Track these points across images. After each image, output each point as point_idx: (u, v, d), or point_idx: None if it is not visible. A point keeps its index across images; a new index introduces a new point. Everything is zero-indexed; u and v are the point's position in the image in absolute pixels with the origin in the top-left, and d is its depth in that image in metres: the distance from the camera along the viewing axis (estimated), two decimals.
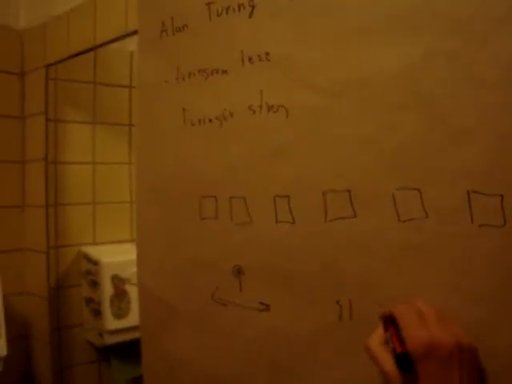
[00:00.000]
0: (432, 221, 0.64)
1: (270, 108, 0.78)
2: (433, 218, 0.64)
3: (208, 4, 0.86)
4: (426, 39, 0.64)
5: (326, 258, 0.72)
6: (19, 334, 1.54)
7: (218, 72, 0.85)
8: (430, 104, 0.64)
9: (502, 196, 0.59)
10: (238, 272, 0.82)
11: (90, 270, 1.50)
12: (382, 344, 0.63)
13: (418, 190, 0.65)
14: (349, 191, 0.71)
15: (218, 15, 0.85)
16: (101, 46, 1.21)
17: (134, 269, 1.01)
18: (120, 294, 1.48)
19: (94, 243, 1.58)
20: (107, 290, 1.46)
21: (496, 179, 0.60)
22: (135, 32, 1.01)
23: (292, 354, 0.77)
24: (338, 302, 0.72)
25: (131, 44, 1.18)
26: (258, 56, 0.79)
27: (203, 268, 0.87)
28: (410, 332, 0.60)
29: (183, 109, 0.89)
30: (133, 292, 1.44)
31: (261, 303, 0.80)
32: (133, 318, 1.44)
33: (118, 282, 1.47)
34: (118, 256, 1.49)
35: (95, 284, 1.49)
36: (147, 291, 0.97)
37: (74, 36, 1.30)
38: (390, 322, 0.64)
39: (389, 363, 0.61)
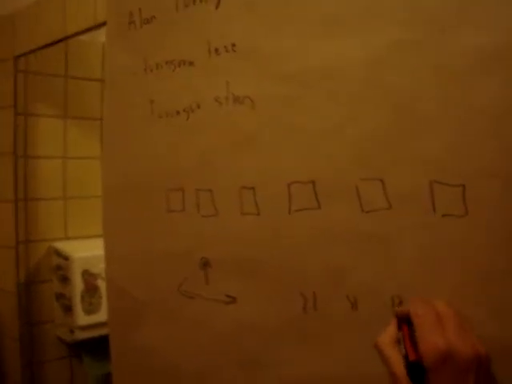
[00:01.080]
0: (395, 211, 0.65)
1: (236, 99, 0.78)
2: (396, 208, 0.65)
3: None
4: (389, 30, 0.64)
5: (291, 250, 0.73)
6: None
7: (184, 64, 0.84)
8: (394, 94, 0.64)
9: (463, 186, 0.60)
10: (205, 264, 0.82)
11: (61, 266, 1.49)
12: (393, 343, 0.59)
13: (381, 181, 0.65)
14: (313, 182, 0.71)
15: (185, 6, 0.84)
16: (70, 37, 1.20)
17: None
18: (91, 290, 1.47)
19: (66, 238, 1.57)
20: (78, 285, 1.45)
21: (458, 169, 0.60)
22: (104, 23, 1.00)
23: (259, 345, 0.77)
24: (302, 294, 0.72)
25: (103, 36, 1.17)
26: (225, 47, 0.79)
27: (170, 261, 0.87)
28: (425, 336, 0.55)
29: (151, 101, 0.89)
30: (104, 287, 1.43)
31: (227, 296, 0.80)
32: (104, 314, 1.43)
33: (89, 277, 1.46)
34: (88, 251, 1.48)
35: (66, 279, 1.48)
36: (115, 285, 0.96)
37: (43, 27, 1.28)
38: (405, 322, 0.60)
39: (399, 366, 0.57)
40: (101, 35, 1.18)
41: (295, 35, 0.72)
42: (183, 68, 0.84)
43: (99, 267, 1.43)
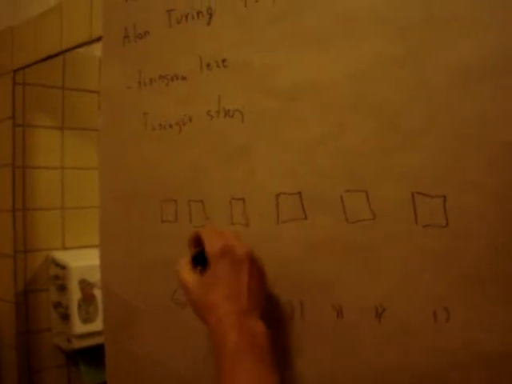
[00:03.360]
0: (379, 221, 0.67)
1: (226, 113, 0.80)
2: (380, 218, 0.67)
3: (168, 11, 0.87)
4: (374, 45, 0.66)
5: (278, 259, 0.74)
6: None
7: (177, 78, 0.86)
8: (379, 108, 0.66)
9: (444, 197, 0.62)
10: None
11: (58, 275, 1.50)
12: (186, 263, 0.71)
13: (365, 192, 0.67)
14: (300, 193, 0.73)
15: (177, 22, 0.86)
16: (66, 51, 1.22)
17: None
18: (88, 299, 1.48)
19: (63, 248, 1.58)
20: (75, 294, 1.47)
21: (439, 181, 0.62)
22: (100, 38, 1.02)
23: None
24: (290, 303, 0.74)
25: (99, 49, 1.19)
26: (216, 62, 0.81)
27: (164, 270, 0.88)
28: (208, 238, 0.69)
29: (144, 113, 0.91)
30: (101, 296, 1.44)
31: None
32: (101, 323, 1.42)
33: (86, 286, 1.48)
34: (85, 260, 1.49)
35: (63, 288, 1.49)
36: (110, 293, 0.98)
37: (40, 41, 1.31)
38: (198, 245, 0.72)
39: (187, 276, 0.69)
40: (97, 48, 1.21)
41: (283, 50, 0.74)
42: (176, 82, 0.87)
43: (96, 277, 1.44)
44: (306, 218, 0.72)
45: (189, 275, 0.69)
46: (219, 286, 0.66)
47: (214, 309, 0.65)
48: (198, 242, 0.72)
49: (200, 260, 0.70)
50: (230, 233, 0.70)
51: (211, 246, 0.68)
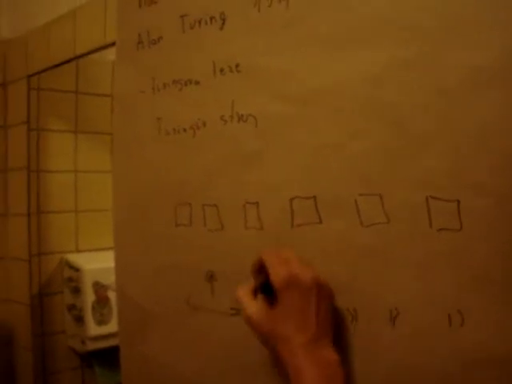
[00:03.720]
0: (393, 225, 0.67)
1: (240, 118, 0.80)
2: (394, 222, 0.67)
3: (182, 17, 0.88)
4: (386, 48, 0.67)
5: None
6: (1, 341, 1.55)
7: (191, 83, 0.87)
8: (391, 112, 0.66)
9: (458, 201, 0.62)
10: (211, 277, 0.84)
11: (72, 277, 1.52)
12: (249, 292, 0.70)
13: (380, 196, 0.68)
14: (314, 197, 0.73)
15: (191, 28, 0.87)
16: (80, 56, 1.24)
17: None
18: (102, 301, 1.49)
19: (77, 251, 1.60)
20: (89, 296, 1.48)
21: (453, 185, 0.62)
22: (113, 44, 1.03)
23: (262, 356, 0.79)
24: None
25: (112, 54, 1.20)
26: (229, 67, 0.82)
27: (178, 274, 0.89)
28: (273, 270, 0.67)
29: (158, 118, 0.92)
30: (114, 299, 1.45)
31: (232, 308, 0.82)
32: (115, 325, 1.43)
33: (100, 288, 1.49)
34: (99, 263, 1.51)
35: (77, 291, 1.50)
36: (125, 296, 0.99)
37: (54, 47, 1.32)
38: (261, 272, 0.71)
39: (252, 307, 0.68)
40: (110, 52, 1.22)
41: (296, 55, 0.75)
42: (190, 87, 0.87)
43: (110, 279, 1.45)
44: (320, 222, 0.72)
45: (251, 306, 0.69)
46: (289, 318, 0.65)
47: (286, 341, 0.65)
48: (261, 269, 0.71)
49: (264, 288, 0.69)
50: (294, 258, 0.69)
51: (277, 276, 0.66)
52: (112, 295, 1.49)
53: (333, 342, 0.67)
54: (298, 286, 0.65)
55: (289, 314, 0.65)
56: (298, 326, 0.65)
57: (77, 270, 1.50)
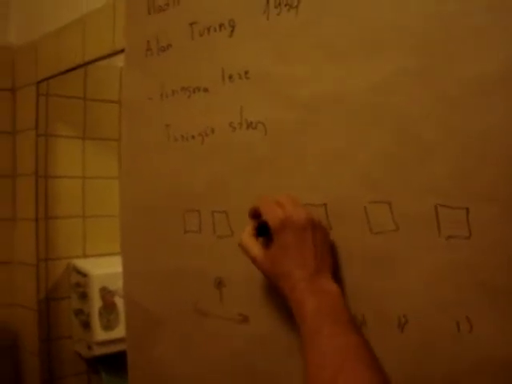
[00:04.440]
0: (402, 233, 0.67)
1: (249, 125, 0.81)
2: (403, 229, 0.67)
3: (191, 24, 0.89)
4: (394, 57, 0.67)
5: None
6: (8, 346, 1.55)
7: (199, 90, 0.87)
8: (399, 120, 0.67)
9: (467, 209, 0.62)
10: (219, 284, 0.84)
11: (80, 283, 1.52)
12: (250, 236, 0.73)
13: (389, 204, 0.68)
14: (325, 205, 0.73)
15: (200, 35, 0.88)
16: (89, 63, 1.24)
17: None
18: (109, 306, 1.50)
19: (84, 256, 1.60)
20: (96, 301, 1.48)
21: (461, 193, 0.62)
22: (122, 50, 1.04)
23: (272, 363, 0.79)
24: None
25: (120, 60, 1.21)
26: (238, 74, 0.82)
27: (186, 280, 0.89)
28: (268, 211, 0.70)
29: (166, 125, 0.92)
30: (121, 304, 1.45)
31: (240, 314, 0.82)
32: (121, 330, 1.45)
33: (107, 294, 1.49)
34: (106, 268, 1.51)
35: (84, 296, 1.51)
36: (133, 302, 0.99)
37: (63, 53, 1.33)
38: (257, 217, 0.73)
39: (254, 248, 0.72)
40: (118, 59, 1.22)
41: (306, 62, 0.75)
42: (198, 94, 0.88)
43: (117, 284, 1.46)
44: (330, 228, 0.73)
45: (254, 248, 0.72)
46: (286, 257, 0.68)
47: (287, 277, 0.67)
48: (256, 214, 0.74)
49: (262, 230, 0.72)
50: (287, 200, 0.71)
51: (271, 219, 0.69)
52: (119, 301, 1.49)
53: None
54: (293, 225, 0.68)
55: (287, 251, 0.68)
56: (296, 263, 0.67)
57: (84, 275, 1.50)
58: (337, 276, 0.71)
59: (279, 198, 0.72)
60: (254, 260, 0.72)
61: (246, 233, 0.74)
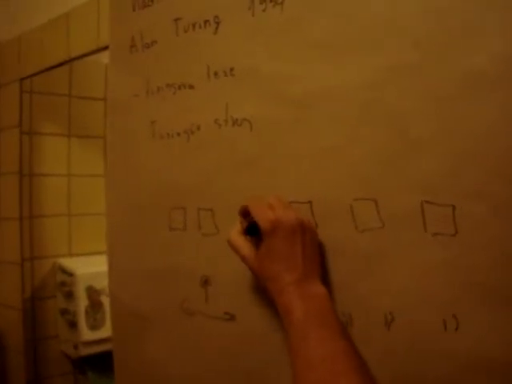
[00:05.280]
0: (388, 230, 0.67)
1: (234, 122, 0.80)
2: (389, 227, 0.67)
3: (176, 20, 0.88)
4: (386, 53, 0.66)
5: None
6: None
7: (185, 87, 0.87)
8: (389, 117, 0.67)
9: (453, 206, 0.62)
10: (205, 282, 0.84)
11: (65, 282, 1.51)
12: (239, 234, 0.73)
13: (375, 201, 0.68)
14: (310, 202, 0.73)
15: (185, 31, 0.87)
16: (74, 59, 1.23)
17: None
18: (95, 305, 1.49)
19: (70, 255, 1.59)
20: (82, 301, 1.47)
21: (448, 190, 0.62)
22: (107, 47, 1.03)
23: (261, 361, 0.78)
24: None
25: (106, 57, 1.20)
26: (223, 71, 0.82)
27: (172, 278, 0.89)
28: (259, 213, 0.70)
29: (152, 122, 0.91)
30: (108, 303, 1.45)
31: (226, 313, 0.82)
32: (108, 329, 1.42)
33: (93, 293, 1.48)
34: (92, 267, 1.50)
35: (70, 295, 1.50)
36: (118, 301, 0.98)
37: (47, 50, 1.32)
38: (247, 216, 0.73)
39: (245, 247, 0.71)
40: (104, 56, 1.21)
41: (291, 59, 0.74)
42: (183, 91, 0.87)
43: (103, 283, 1.44)
44: (316, 226, 0.72)
45: (245, 247, 0.72)
46: (276, 259, 0.68)
47: (275, 280, 0.67)
48: (246, 213, 0.73)
49: (252, 230, 0.72)
50: (277, 202, 0.71)
51: (262, 221, 0.68)
52: (105, 300, 1.48)
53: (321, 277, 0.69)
54: (283, 228, 0.67)
55: (276, 254, 0.68)
56: (285, 266, 0.67)
57: (70, 274, 1.49)
58: (324, 276, 0.71)
59: (270, 199, 0.72)
60: (243, 259, 0.72)
61: (235, 230, 0.74)
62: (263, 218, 0.69)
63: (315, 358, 0.60)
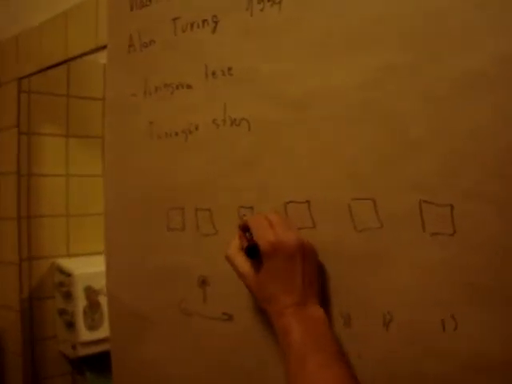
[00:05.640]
0: (386, 230, 0.67)
1: (232, 121, 0.80)
2: (387, 227, 0.67)
3: (174, 20, 0.87)
4: (382, 54, 0.67)
5: None
6: None
7: (183, 86, 0.86)
8: (386, 117, 0.66)
9: (451, 206, 0.62)
10: (203, 283, 0.83)
11: (63, 282, 1.51)
12: (238, 251, 0.72)
13: (373, 200, 0.67)
14: (308, 202, 0.73)
15: (183, 31, 0.87)
16: (72, 59, 1.23)
17: None
18: (93, 306, 1.48)
19: (68, 255, 1.59)
20: (80, 301, 1.47)
21: (446, 190, 0.62)
22: (105, 46, 1.03)
23: (259, 361, 0.78)
24: None
25: (103, 57, 1.20)
26: (222, 71, 0.81)
27: (170, 278, 0.88)
28: (259, 234, 0.69)
29: (150, 122, 0.91)
30: (106, 303, 1.44)
31: (224, 313, 0.81)
32: (106, 330, 1.42)
33: (91, 293, 1.48)
34: (90, 268, 1.50)
35: (68, 296, 1.49)
36: (116, 301, 0.98)
37: (45, 49, 1.32)
38: (247, 231, 0.72)
39: (244, 266, 0.71)
40: (102, 56, 1.21)
41: (291, 59, 0.74)
42: (181, 91, 0.87)
43: (101, 283, 1.44)
44: (314, 226, 0.72)
45: (244, 266, 0.71)
46: (275, 282, 0.67)
47: (274, 301, 0.67)
48: (246, 228, 0.72)
49: (252, 251, 0.70)
50: (278, 222, 0.70)
51: (262, 243, 0.68)
52: (103, 300, 1.48)
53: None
54: (284, 250, 0.67)
55: (275, 276, 0.67)
56: (284, 289, 0.67)
57: (68, 274, 1.49)
58: (322, 276, 0.71)
59: (270, 216, 0.71)
60: (241, 276, 0.71)
61: (234, 245, 0.73)
62: (264, 239, 0.68)
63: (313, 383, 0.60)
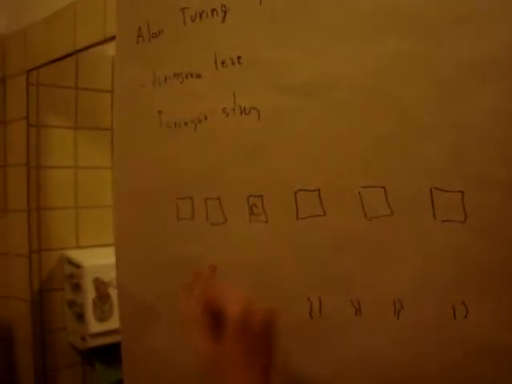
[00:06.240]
0: (397, 217, 0.66)
1: (242, 110, 0.80)
2: (398, 214, 0.66)
3: (182, 9, 0.87)
4: (392, 40, 0.66)
5: (297, 256, 0.74)
6: (2, 338, 1.55)
7: (192, 76, 0.86)
8: (396, 104, 0.66)
9: (462, 192, 0.62)
10: (213, 272, 0.83)
11: (73, 274, 1.51)
12: (204, 328, 0.68)
13: (383, 188, 0.67)
14: (318, 190, 0.73)
15: (192, 20, 0.86)
16: (80, 51, 1.23)
17: None
18: (103, 297, 1.49)
19: (77, 247, 1.59)
20: (90, 293, 1.47)
21: (456, 176, 0.62)
22: (114, 37, 1.03)
23: None
24: (308, 299, 0.74)
25: (111, 49, 1.20)
26: (231, 59, 0.81)
27: (180, 268, 0.89)
28: (228, 313, 0.66)
29: (159, 112, 0.91)
30: (116, 295, 1.45)
31: None
32: (116, 321, 1.44)
33: (101, 285, 1.48)
34: (100, 259, 1.50)
35: (78, 287, 1.50)
36: (126, 292, 0.98)
37: (53, 41, 1.32)
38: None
39: (203, 342, 0.67)
40: (110, 47, 1.21)
41: (299, 47, 0.74)
42: (191, 80, 0.87)
43: (110, 275, 1.45)
44: (324, 214, 0.72)
45: (203, 341, 0.68)
46: (237, 361, 0.66)
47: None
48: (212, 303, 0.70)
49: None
50: (244, 301, 0.68)
51: (231, 318, 0.66)
52: (113, 292, 1.48)
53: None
54: (249, 330, 0.65)
55: (237, 356, 0.65)
56: (245, 367, 0.65)
57: (77, 266, 1.49)
58: (332, 264, 0.71)
59: (236, 296, 0.69)
60: (196, 350, 0.69)
61: (200, 326, 0.70)
62: (231, 318, 0.66)
63: None
